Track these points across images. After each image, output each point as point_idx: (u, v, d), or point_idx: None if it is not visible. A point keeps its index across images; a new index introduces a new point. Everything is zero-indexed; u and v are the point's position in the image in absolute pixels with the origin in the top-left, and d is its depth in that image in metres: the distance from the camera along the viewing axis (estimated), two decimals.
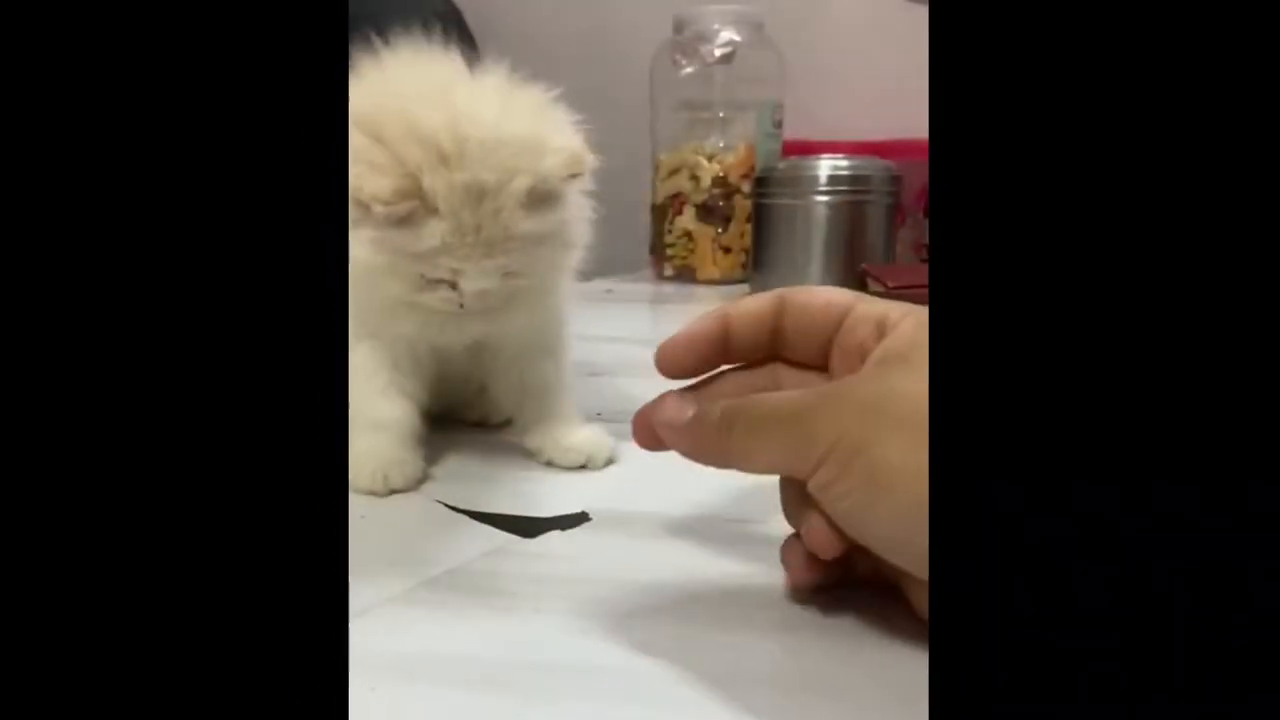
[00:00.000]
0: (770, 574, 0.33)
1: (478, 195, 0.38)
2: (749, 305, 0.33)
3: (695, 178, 1.19)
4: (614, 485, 0.44)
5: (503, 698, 0.26)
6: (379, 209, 0.37)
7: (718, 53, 1.17)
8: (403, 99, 0.39)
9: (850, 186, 0.98)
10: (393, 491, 0.43)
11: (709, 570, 0.33)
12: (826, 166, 0.99)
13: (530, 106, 0.41)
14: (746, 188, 1.15)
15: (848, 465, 0.26)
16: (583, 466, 0.46)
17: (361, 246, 0.39)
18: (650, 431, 0.31)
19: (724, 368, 0.33)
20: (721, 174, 1.18)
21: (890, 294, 0.81)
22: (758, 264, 1.05)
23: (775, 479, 0.31)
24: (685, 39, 1.19)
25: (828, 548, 0.29)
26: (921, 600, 0.28)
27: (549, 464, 0.47)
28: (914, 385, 0.26)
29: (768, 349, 0.32)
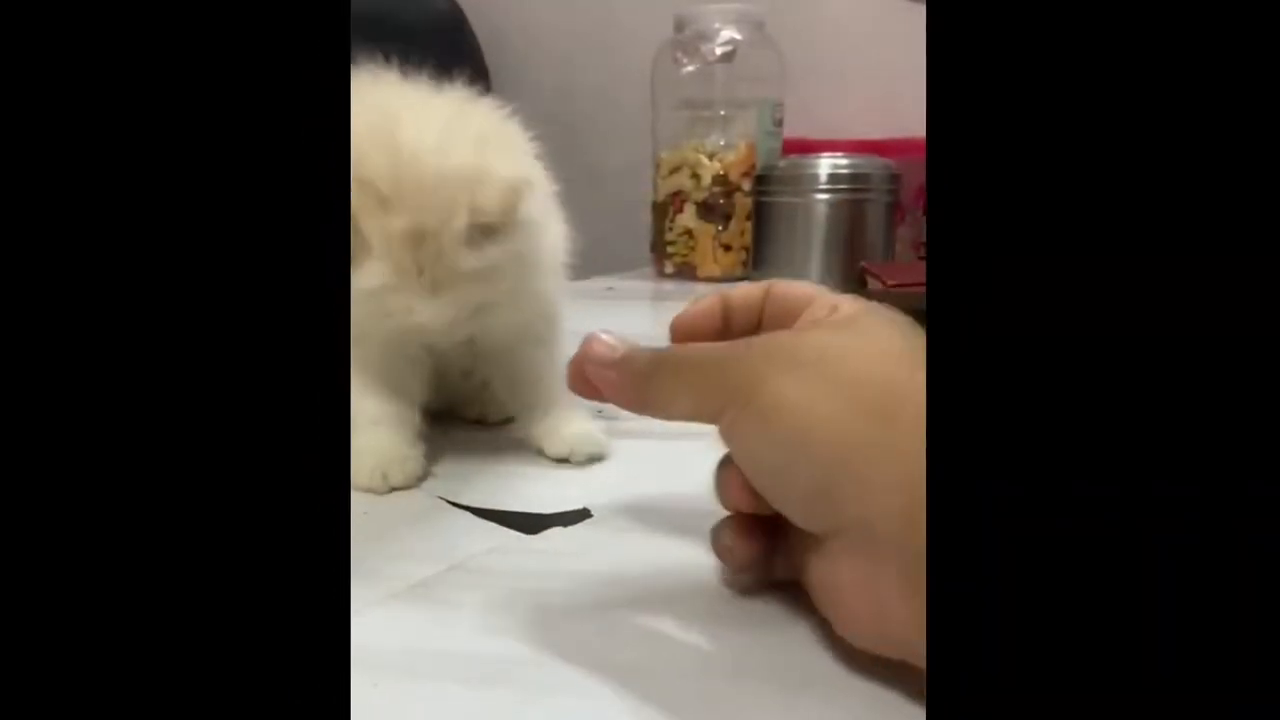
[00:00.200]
0: None
1: (417, 239, 0.37)
2: (744, 289, 0.34)
3: (696, 176, 1.19)
4: (616, 481, 0.44)
5: (505, 694, 0.26)
6: None
7: (718, 51, 1.17)
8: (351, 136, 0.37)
9: (850, 185, 0.99)
10: (393, 489, 0.43)
11: (712, 566, 0.33)
12: (826, 165, 0.99)
13: (475, 134, 0.40)
14: (747, 186, 1.15)
15: (747, 404, 0.28)
16: (566, 459, 0.47)
17: None
18: (583, 378, 0.32)
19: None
20: (722, 172, 1.18)
21: (889, 291, 0.82)
22: (758, 262, 1.06)
23: None
24: (686, 38, 1.19)
25: (740, 500, 0.30)
26: (820, 598, 0.28)
27: (539, 453, 0.47)
28: (825, 336, 0.29)
29: (754, 331, 0.34)
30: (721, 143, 1.19)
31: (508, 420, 0.50)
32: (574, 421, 0.48)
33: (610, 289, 1.11)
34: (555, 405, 0.48)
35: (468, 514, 0.40)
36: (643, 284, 1.20)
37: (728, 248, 1.19)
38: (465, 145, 0.38)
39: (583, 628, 0.30)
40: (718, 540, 0.32)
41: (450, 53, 1.43)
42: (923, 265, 0.96)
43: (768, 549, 0.31)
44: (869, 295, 0.83)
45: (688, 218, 1.20)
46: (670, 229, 1.21)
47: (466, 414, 0.54)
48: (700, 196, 1.19)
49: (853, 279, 0.96)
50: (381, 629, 0.30)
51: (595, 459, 0.47)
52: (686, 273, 1.21)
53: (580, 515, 0.39)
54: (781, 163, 1.05)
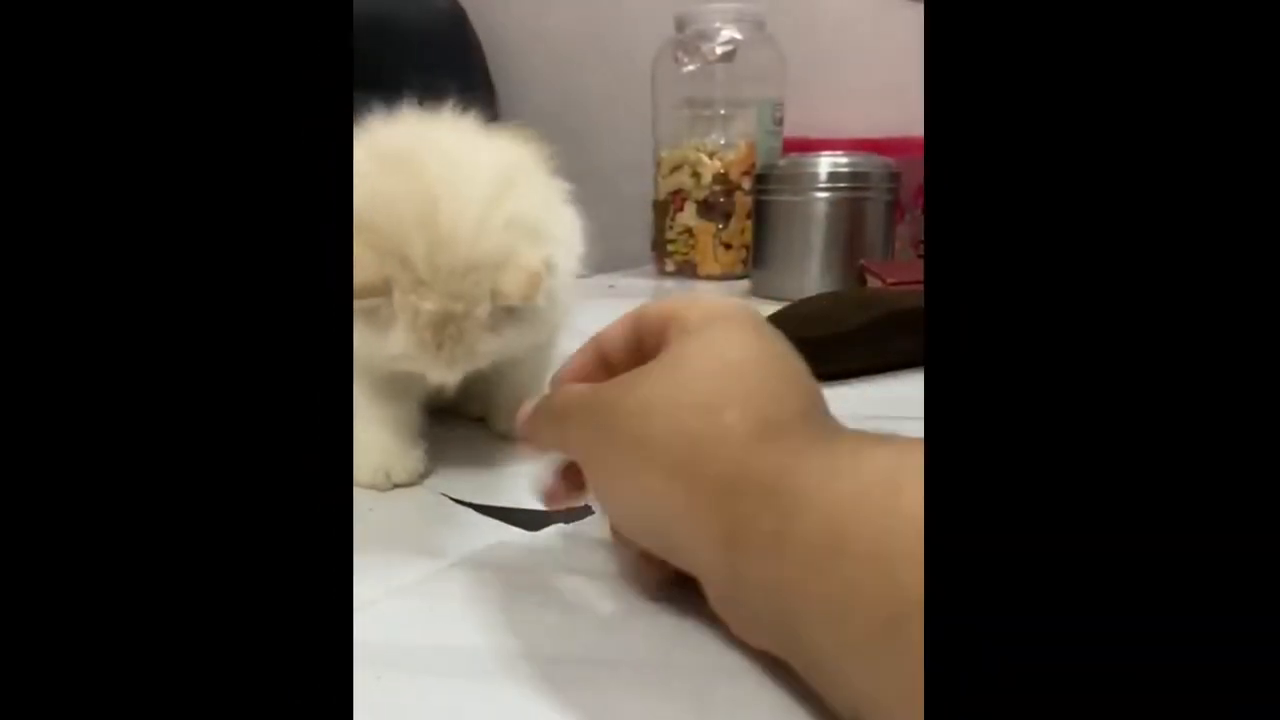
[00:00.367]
0: None
1: (443, 320, 0.38)
2: (613, 325, 0.35)
3: (696, 174, 1.19)
4: None
5: (507, 688, 0.27)
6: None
7: (719, 51, 1.17)
8: (394, 208, 0.38)
9: (849, 183, 0.99)
10: (395, 486, 0.43)
11: None
12: (826, 163, 0.99)
13: (508, 218, 0.40)
14: (747, 184, 1.15)
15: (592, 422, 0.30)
16: None
17: None
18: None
19: None
20: (722, 171, 1.18)
21: (889, 289, 0.82)
22: (758, 260, 1.06)
23: None
24: (687, 37, 1.19)
25: (554, 496, 0.35)
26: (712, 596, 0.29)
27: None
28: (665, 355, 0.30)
29: (638, 357, 0.33)
30: (722, 141, 1.19)
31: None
32: None
33: (611, 286, 1.11)
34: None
35: (470, 511, 0.41)
36: (644, 282, 1.20)
37: (728, 246, 1.19)
38: (497, 231, 0.40)
39: (585, 624, 0.30)
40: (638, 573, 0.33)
41: (451, 52, 1.43)
42: (921, 263, 0.96)
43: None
44: (869, 293, 0.83)
45: (688, 216, 1.20)
46: (671, 227, 1.22)
47: (470, 412, 0.54)
48: (701, 195, 1.19)
49: (852, 277, 0.96)
50: (385, 624, 0.30)
51: None
52: (687, 270, 1.21)
53: (582, 512, 0.39)
54: (781, 161, 1.05)
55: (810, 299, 0.73)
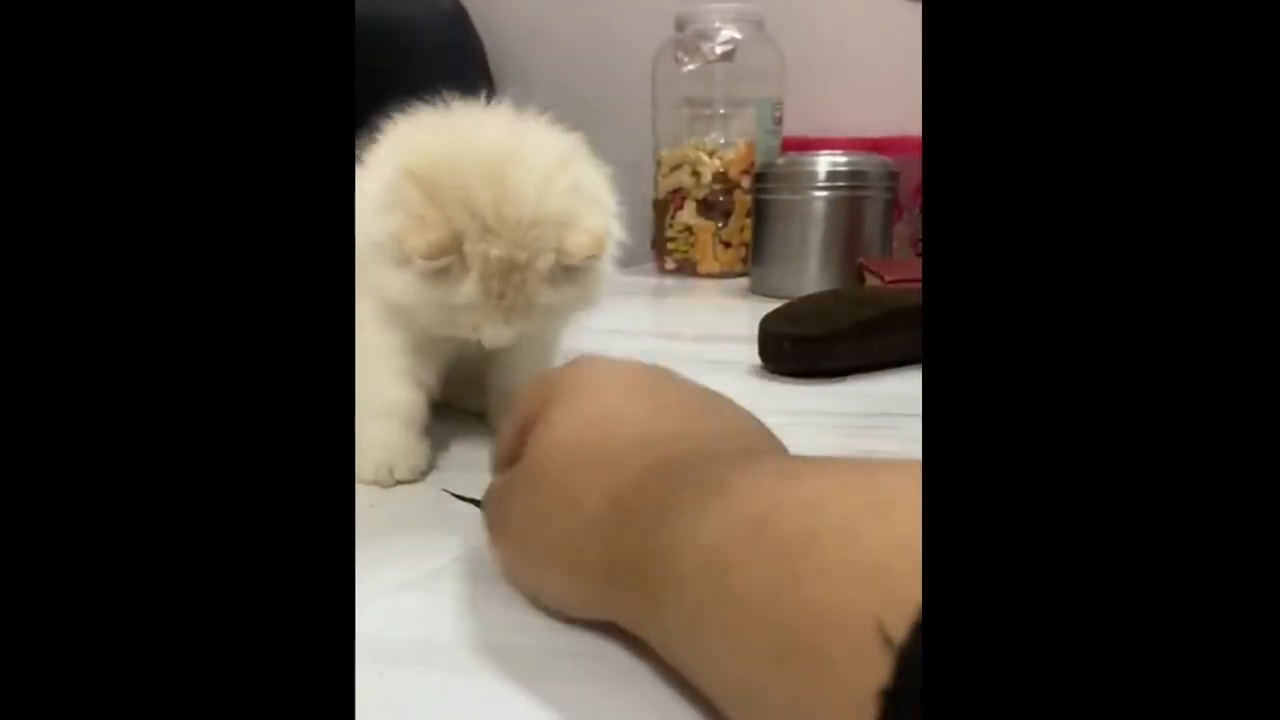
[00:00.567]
0: None
1: (508, 268, 0.41)
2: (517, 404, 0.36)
3: (696, 173, 1.19)
4: None
5: (509, 683, 0.27)
6: (420, 263, 0.40)
7: (719, 50, 1.17)
8: (459, 167, 0.41)
9: (848, 182, 0.99)
10: (398, 483, 0.43)
11: None
12: (825, 162, 0.99)
13: (570, 185, 0.44)
14: (746, 183, 1.16)
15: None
16: None
17: (397, 285, 0.42)
18: None
19: None
20: (722, 170, 1.18)
21: (887, 287, 0.82)
22: (757, 258, 1.06)
23: None
24: (687, 37, 1.20)
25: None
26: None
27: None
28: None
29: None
30: (721, 141, 1.19)
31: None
32: None
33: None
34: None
35: (472, 507, 0.41)
36: (644, 280, 1.20)
37: (727, 244, 1.19)
38: (561, 193, 0.43)
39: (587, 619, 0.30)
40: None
41: (453, 50, 1.43)
42: (919, 261, 0.96)
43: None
44: (868, 291, 0.83)
45: (688, 215, 1.20)
46: (671, 226, 1.22)
47: (470, 408, 0.54)
48: (700, 194, 1.19)
49: (851, 275, 0.97)
50: (387, 620, 0.30)
51: None
52: (687, 269, 1.22)
53: None
54: (781, 160, 1.05)
55: (809, 297, 0.73)
